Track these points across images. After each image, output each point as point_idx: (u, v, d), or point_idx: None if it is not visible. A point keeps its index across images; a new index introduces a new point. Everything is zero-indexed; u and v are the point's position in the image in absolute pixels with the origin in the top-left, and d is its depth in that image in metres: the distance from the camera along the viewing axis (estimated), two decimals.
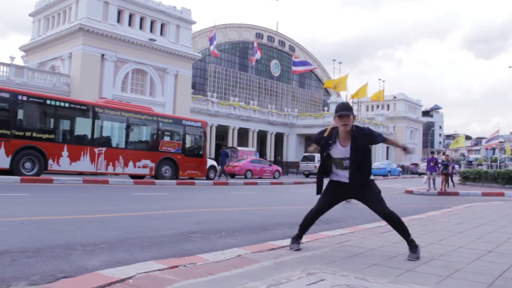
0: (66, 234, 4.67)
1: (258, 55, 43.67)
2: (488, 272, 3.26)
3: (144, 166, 16.91)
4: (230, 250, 3.68)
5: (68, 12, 30.52)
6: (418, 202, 12.66)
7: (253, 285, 2.64)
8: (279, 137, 49.35)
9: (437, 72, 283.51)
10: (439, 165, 17.48)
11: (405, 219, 6.52)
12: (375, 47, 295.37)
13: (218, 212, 7.82)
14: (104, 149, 15.73)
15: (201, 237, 4.96)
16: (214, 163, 22.34)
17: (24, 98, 13.93)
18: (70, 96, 26.11)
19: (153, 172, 17.15)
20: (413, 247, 3.72)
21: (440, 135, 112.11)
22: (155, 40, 31.84)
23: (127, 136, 16.94)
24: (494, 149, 63.84)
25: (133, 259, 3.59)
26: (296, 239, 3.98)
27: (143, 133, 17.89)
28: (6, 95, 13.50)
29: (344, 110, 3.70)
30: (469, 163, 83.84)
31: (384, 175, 36.98)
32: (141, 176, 17.16)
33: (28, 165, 13.70)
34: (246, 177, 25.99)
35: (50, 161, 14.15)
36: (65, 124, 15.26)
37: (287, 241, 4.12)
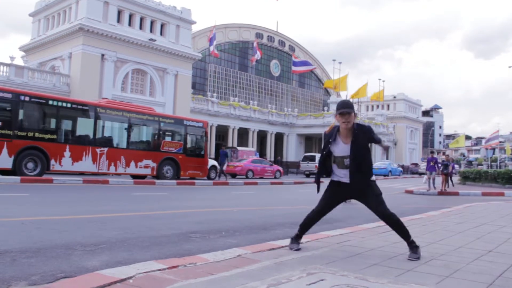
0: (66, 234, 4.67)
1: (258, 55, 43.68)
2: (488, 272, 3.26)
3: (146, 166, 16.94)
4: (230, 250, 3.68)
5: (68, 12, 30.52)
6: (418, 202, 12.66)
7: (253, 285, 2.64)
8: (279, 137, 49.35)
9: (437, 72, 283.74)
10: (439, 165, 17.49)
11: (405, 219, 6.52)
12: (375, 47, 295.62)
13: (218, 212, 7.82)
14: (106, 149, 15.75)
15: (201, 237, 4.96)
16: (215, 163, 22.35)
17: (27, 98, 13.95)
18: (70, 96, 26.12)
19: (154, 172, 17.19)
20: (413, 247, 3.71)
21: (440, 135, 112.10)
22: (155, 40, 31.84)
23: (128, 136, 16.96)
24: (494, 149, 63.84)
25: (133, 259, 3.59)
26: (296, 239, 3.98)
27: (145, 133, 17.91)
28: (9, 95, 13.53)
29: (345, 107, 3.70)
30: (469, 163, 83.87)
31: (385, 175, 36.99)
32: (143, 176, 17.19)
33: (30, 165, 13.73)
34: (247, 177, 25.99)
35: (52, 161, 14.18)
36: (67, 124, 15.28)
37: (287, 241, 4.11)
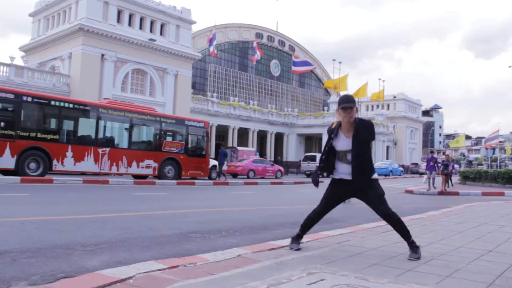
0: (66, 234, 4.67)
1: (258, 55, 43.69)
2: (488, 272, 3.26)
3: (147, 166, 16.98)
4: (230, 250, 3.68)
5: (68, 12, 30.53)
6: (418, 202, 12.67)
7: (253, 285, 2.64)
8: (279, 137, 49.37)
9: (437, 72, 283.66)
10: (439, 165, 17.49)
11: (405, 219, 6.51)
12: (375, 47, 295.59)
13: (218, 212, 7.82)
14: (108, 149, 15.80)
15: (201, 237, 4.96)
16: (216, 163, 22.38)
17: (29, 99, 13.99)
18: (70, 96, 26.14)
19: (156, 172, 17.23)
20: (414, 247, 3.72)
21: (440, 134, 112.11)
22: (155, 40, 31.84)
23: (130, 136, 17.01)
24: (494, 149, 63.83)
25: (133, 259, 3.59)
26: (296, 239, 3.98)
27: (146, 134, 17.97)
28: (11, 96, 13.57)
29: (347, 102, 3.72)
30: (469, 162, 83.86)
31: (385, 175, 37.02)
32: (144, 176, 17.23)
33: (33, 165, 13.77)
34: (248, 177, 26.00)
35: (54, 162, 14.22)
36: (69, 125, 15.32)
37: (288, 241, 4.11)
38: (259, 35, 55.12)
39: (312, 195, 14.20)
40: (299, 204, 10.21)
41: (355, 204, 10.26)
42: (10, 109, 13.54)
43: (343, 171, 3.82)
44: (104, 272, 2.80)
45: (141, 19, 31.95)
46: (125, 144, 16.74)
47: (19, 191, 9.70)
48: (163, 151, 17.66)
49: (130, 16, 31.34)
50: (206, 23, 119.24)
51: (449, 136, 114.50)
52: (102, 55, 29.30)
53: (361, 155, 3.73)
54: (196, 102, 38.49)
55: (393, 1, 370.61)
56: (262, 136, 47.95)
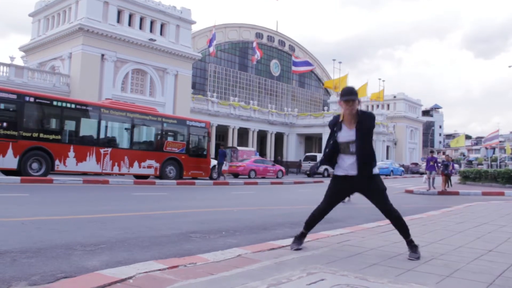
0: (66, 234, 4.67)
1: (258, 55, 43.69)
2: (488, 272, 3.26)
3: (149, 166, 17.02)
4: (230, 250, 3.68)
5: (68, 12, 30.53)
6: (418, 202, 12.67)
7: (253, 285, 2.64)
8: (279, 137, 49.37)
9: (437, 72, 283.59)
10: (439, 165, 17.49)
11: (405, 219, 6.47)
12: (375, 47, 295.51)
13: (218, 212, 7.82)
14: (109, 149, 15.85)
15: (201, 237, 4.96)
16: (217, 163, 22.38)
17: (31, 99, 14.03)
18: (70, 96, 26.15)
19: (157, 172, 17.28)
20: (413, 247, 3.71)
21: (440, 134, 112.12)
22: (155, 40, 31.84)
23: (132, 136, 17.07)
24: (494, 149, 63.84)
25: (133, 259, 3.58)
26: (300, 238, 3.95)
27: (148, 134, 18.03)
28: (14, 96, 13.63)
29: (349, 95, 3.71)
30: (469, 162, 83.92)
31: (386, 175, 37.04)
32: (146, 176, 17.25)
33: (35, 165, 13.82)
34: (249, 177, 26.02)
35: (57, 162, 14.27)
36: (71, 125, 15.38)
37: (288, 241, 4.11)
38: (259, 35, 55.12)
39: (312, 195, 14.20)
40: (299, 204, 10.21)
41: (355, 204, 10.26)
42: (12, 109, 13.60)
43: (347, 164, 3.80)
44: (104, 272, 2.80)
45: (141, 19, 31.95)
46: (127, 144, 16.80)
47: (19, 191, 9.70)
48: (165, 151, 17.70)
49: (130, 16, 31.34)
50: (206, 23, 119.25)
51: (449, 136, 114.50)
52: (102, 55, 29.30)
53: (365, 145, 3.74)
54: (196, 102, 38.49)
55: (393, 1, 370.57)
56: (262, 136, 47.95)
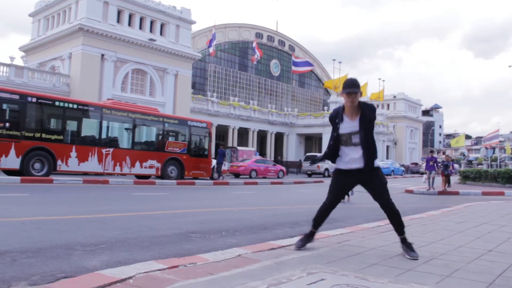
0: (66, 234, 4.67)
1: (258, 55, 43.68)
2: (488, 271, 3.26)
3: (151, 167, 17.06)
4: (230, 250, 3.68)
5: (68, 12, 30.53)
6: (418, 202, 12.67)
7: (253, 284, 2.64)
8: (279, 137, 49.36)
9: (437, 72, 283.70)
10: (439, 164, 17.48)
11: (405, 219, 6.49)
12: (375, 47, 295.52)
13: (218, 212, 7.82)
14: (111, 149, 15.88)
15: (201, 237, 4.96)
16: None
17: (34, 99, 14.07)
18: (70, 96, 26.14)
19: (159, 172, 17.32)
20: (408, 245, 3.72)
21: (440, 134, 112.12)
22: (155, 40, 31.84)
23: (133, 136, 17.12)
24: (494, 148, 63.81)
25: (133, 259, 3.58)
26: (309, 237, 3.93)
27: (150, 134, 18.08)
28: (16, 96, 13.68)
29: (352, 87, 3.69)
30: (469, 162, 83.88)
31: (387, 175, 37.04)
32: (147, 176, 17.27)
33: (37, 165, 13.85)
34: (250, 177, 26.05)
35: (59, 162, 14.31)
36: (73, 125, 15.42)
37: (288, 241, 4.11)
38: (259, 35, 55.10)
39: (312, 195, 14.20)
40: (299, 204, 10.21)
41: (355, 204, 10.27)
42: (15, 109, 13.65)
43: (349, 157, 3.79)
44: (104, 272, 2.80)
45: (141, 19, 31.95)
46: (128, 145, 16.85)
47: (19, 191, 9.70)
48: (166, 151, 17.75)
49: (130, 16, 31.33)
50: (206, 23, 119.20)
51: (449, 136, 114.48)
52: (102, 55, 29.30)
53: (369, 135, 3.75)
54: (196, 102, 38.49)
55: (393, 1, 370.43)
56: (262, 136, 47.94)
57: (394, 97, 65.09)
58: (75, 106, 15.35)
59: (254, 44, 44.60)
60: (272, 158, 43.77)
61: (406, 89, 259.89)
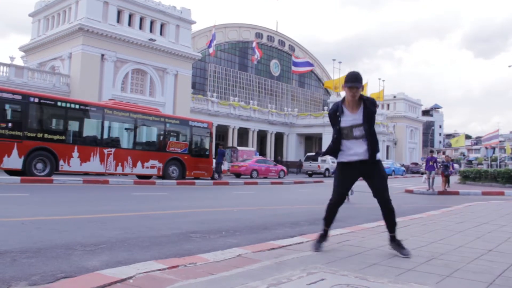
0: (66, 234, 4.67)
1: (257, 55, 43.68)
2: (488, 271, 3.26)
3: (152, 167, 17.11)
4: (230, 250, 3.68)
5: (68, 12, 30.53)
6: (418, 202, 12.67)
7: (253, 284, 2.64)
8: (279, 137, 49.36)
9: (437, 72, 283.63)
10: (439, 164, 17.48)
11: (405, 219, 6.53)
12: (375, 47, 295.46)
13: (218, 212, 7.82)
14: (113, 150, 15.94)
15: (201, 237, 4.96)
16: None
17: (36, 100, 14.13)
18: (70, 96, 26.15)
19: (160, 172, 17.36)
20: (398, 243, 3.73)
21: (440, 134, 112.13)
22: (155, 40, 31.84)
23: (135, 137, 17.18)
24: (494, 148, 63.80)
25: (133, 259, 3.58)
26: (323, 238, 3.91)
27: (151, 134, 18.14)
28: (19, 97, 13.73)
29: (354, 81, 3.65)
30: (469, 162, 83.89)
31: (388, 175, 37.06)
32: (149, 176, 17.29)
33: (39, 166, 13.89)
34: (251, 177, 26.07)
35: (61, 162, 14.36)
36: (75, 126, 15.46)
37: (288, 241, 4.11)
38: (259, 35, 55.10)
39: (312, 195, 14.20)
40: (300, 204, 10.22)
41: (355, 204, 10.27)
42: (17, 110, 13.71)
43: (352, 150, 3.79)
44: (104, 272, 2.80)
45: (141, 19, 31.95)
46: (130, 145, 16.91)
47: (19, 191, 9.70)
48: (168, 152, 17.80)
49: (130, 16, 31.34)
50: (206, 23, 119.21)
51: (449, 136, 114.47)
52: (102, 55, 29.30)
53: (372, 127, 3.75)
54: (196, 102, 38.49)
55: (393, 1, 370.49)
56: (262, 136, 47.95)
57: (394, 97, 65.10)
58: (77, 106, 15.40)
59: (254, 44, 44.59)
60: (272, 158, 43.76)
61: (406, 89, 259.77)
